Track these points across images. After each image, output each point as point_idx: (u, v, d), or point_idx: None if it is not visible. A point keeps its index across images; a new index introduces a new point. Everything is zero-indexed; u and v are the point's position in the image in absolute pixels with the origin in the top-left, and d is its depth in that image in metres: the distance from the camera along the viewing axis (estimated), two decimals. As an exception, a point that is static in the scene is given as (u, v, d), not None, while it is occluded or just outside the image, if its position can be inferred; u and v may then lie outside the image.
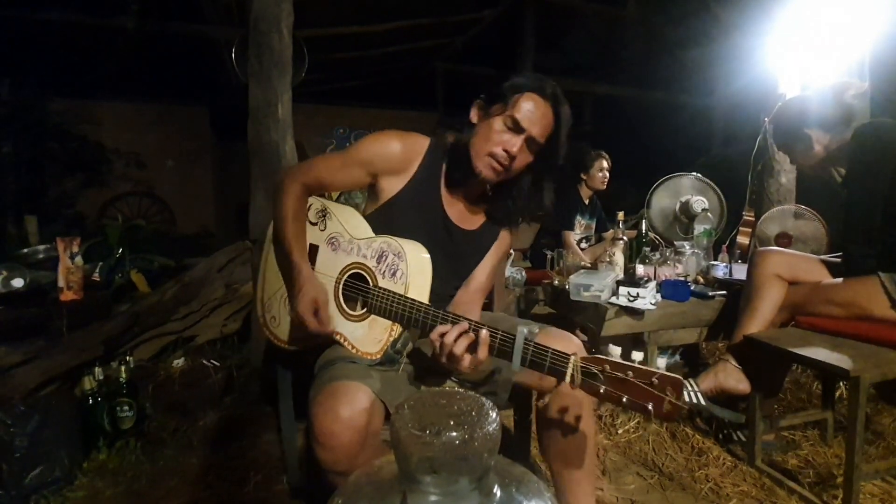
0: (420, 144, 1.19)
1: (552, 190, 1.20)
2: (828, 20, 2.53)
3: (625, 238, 2.19)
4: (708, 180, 2.60)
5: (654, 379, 0.78)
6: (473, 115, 1.15)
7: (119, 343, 2.16)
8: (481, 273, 1.24)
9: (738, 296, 1.84)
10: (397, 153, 1.16)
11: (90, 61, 6.02)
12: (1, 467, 1.42)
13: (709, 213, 2.51)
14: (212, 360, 2.37)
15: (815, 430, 1.83)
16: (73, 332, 1.97)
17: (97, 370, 1.77)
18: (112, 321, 2.15)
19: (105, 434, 1.71)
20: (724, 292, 1.99)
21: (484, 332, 0.94)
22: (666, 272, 2.10)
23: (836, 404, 1.83)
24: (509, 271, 2.47)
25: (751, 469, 1.61)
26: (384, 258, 1.10)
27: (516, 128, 1.08)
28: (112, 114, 6.62)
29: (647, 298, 1.83)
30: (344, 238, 1.15)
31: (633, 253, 2.45)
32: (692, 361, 2.36)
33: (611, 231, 2.78)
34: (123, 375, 1.78)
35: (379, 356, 1.07)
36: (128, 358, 1.86)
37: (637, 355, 0.84)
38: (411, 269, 1.07)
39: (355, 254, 1.14)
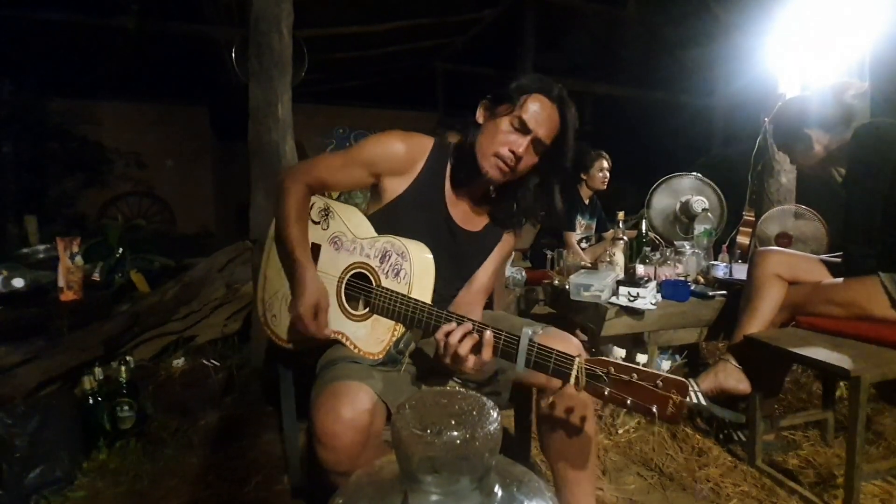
0: (424, 145, 1.19)
1: (559, 193, 1.20)
2: (828, 20, 2.53)
3: (625, 238, 2.19)
4: (708, 180, 2.60)
5: (658, 381, 0.79)
6: (479, 116, 1.15)
7: (119, 343, 2.16)
8: (484, 274, 1.24)
9: (738, 296, 1.84)
10: (401, 154, 1.16)
11: (90, 61, 6.02)
12: (1, 467, 1.42)
13: (709, 213, 2.51)
14: (212, 360, 2.37)
15: (815, 430, 1.83)
16: (74, 332, 1.97)
17: (97, 370, 1.77)
18: (112, 321, 2.15)
19: (105, 434, 1.71)
20: (724, 292, 1.99)
21: (488, 334, 0.94)
22: (666, 272, 2.10)
23: (836, 404, 1.83)
24: (509, 271, 2.47)
25: (751, 469, 1.61)
26: (387, 258, 1.09)
27: (523, 129, 1.08)
28: (112, 114, 6.63)
29: (648, 298, 1.83)
30: (347, 237, 1.15)
31: (634, 253, 2.45)
32: (692, 361, 2.36)
33: (611, 231, 2.78)
34: (124, 375, 1.78)
35: (381, 356, 1.07)
36: (128, 358, 1.86)
37: (641, 358, 0.84)
38: (415, 270, 1.07)
39: (358, 253, 1.13)
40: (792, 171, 3.05)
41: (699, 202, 2.52)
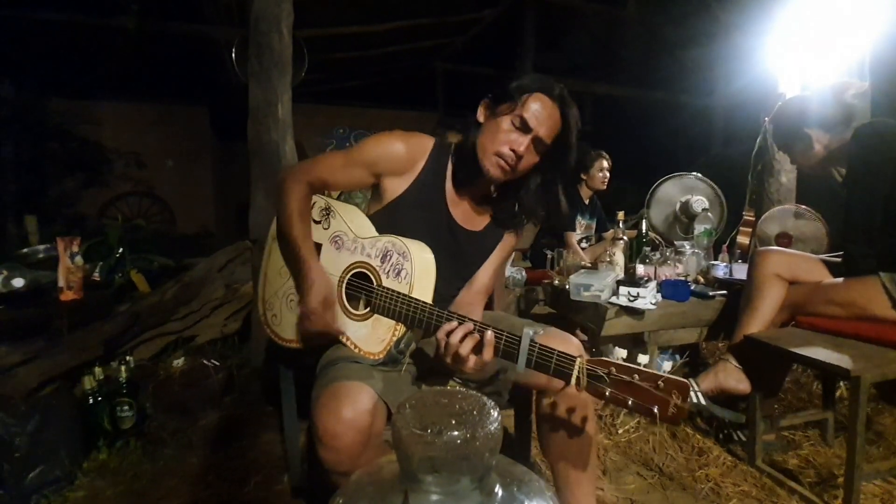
0: (424, 145, 1.19)
1: (561, 194, 1.20)
2: (828, 20, 2.53)
3: (625, 238, 2.20)
4: (708, 180, 2.60)
5: (659, 382, 0.78)
6: (480, 115, 1.15)
7: (119, 343, 2.16)
8: (484, 274, 1.24)
9: (738, 296, 1.84)
10: (401, 154, 1.16)
11: (90, 61, 6.01)
12: (1, 467, 1.41)
13: (709, 213, 2.51)
14: (212, 360, 2.36)
15: (815, 430, 1.83)
16: (74, 332, 1.97)
17: (97, 370, 1.77)
18: (112, 321, 2.15)
19: (105, 434, 1.71)
20: (724, 292, 1.99)
21: (489, 334, 0.94)
22: (666, 272, 2.10)
23: (836, 404, 1.83)
24: (509, 271, 2.47)
25: (751, 469, 1.61)
26: (389, 257, 1.09)
27: (524, 127, 1.08)
28: (112, 114, 6.63)
29: (648, 298, 1.83)
30: (348, 237, 1.15)
31: (633, 253, 2.45)
32: (692, 361, 2.36)
33: (611, 231, 2.78)
34: (123, 375, 1.78)
35: (382, 356, 1.07)
36: (128, 358, 1.86)
37: (643, 358, 0.84)
38: (416, 269, 1.07)
39: (359, 253, 1.13)
40: (792, 171, 3.05)
41: (699, 202, 2.52)
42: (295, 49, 2.48)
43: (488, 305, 1.41)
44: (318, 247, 1.18)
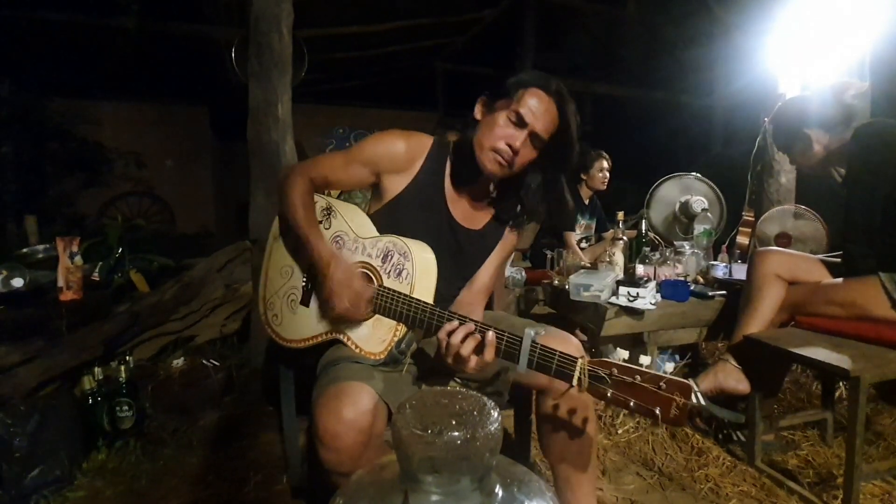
0: (423, 143, 1.19)
1: (566, 191, 1.19)
2: (828, 20, 2.53)
3: (625, 238, 2.20)
4: (708, 180, 2.61)
5: (661, 383, 0.78)
6: (477, 112, 1.15)
7: (119, 343, 2.16)
8: (485, 273, 1.24)
9: (738, 296, 1.84)
10: (401, 152, 1.16)
11: (90, 61, 6.00)
12: (1, 467, 1.41)
13: (708, 213, 2.51)
14: (211, 360, 2.37)
15: (814, 430, 1.83)
16: (73, 332, 1.97)
17: (97, 370, 1.77)
18: (112, 321, 2.15)
19: (105, 434, 1.71)
20: (723, 292, 1.99)
21: (490, 334, 0.94)
22: (666, 272, 2.10)
23: (835, 404, 1.83)
24: (509, 271, 2.47)
25: (750, 469, 1.61)
26: (390, 258, 1.09)
27: (520, 122, 1.08)
28: (112, 114, 6.62)
29: (647, 298, 1.83)
30: (349, 237, 1.15)
31: (633, 253, 2.45)
32: (692, 361, 2.36)
33: (611, 231, 2.78)
34: (123, 375, 1.78)
35: (383, 356, 1.07)
36: (127, 358, 1.86)
37: (645, 360, 0.84)
38: (417, 269, 1.07)
39: (360, 253, 1.13)
40: (792, 171, 3.05)
41: (699, 202, 2.52)
42: (295, 49, 2.48)
43: (488, 305, 1.41)
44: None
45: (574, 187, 3.20)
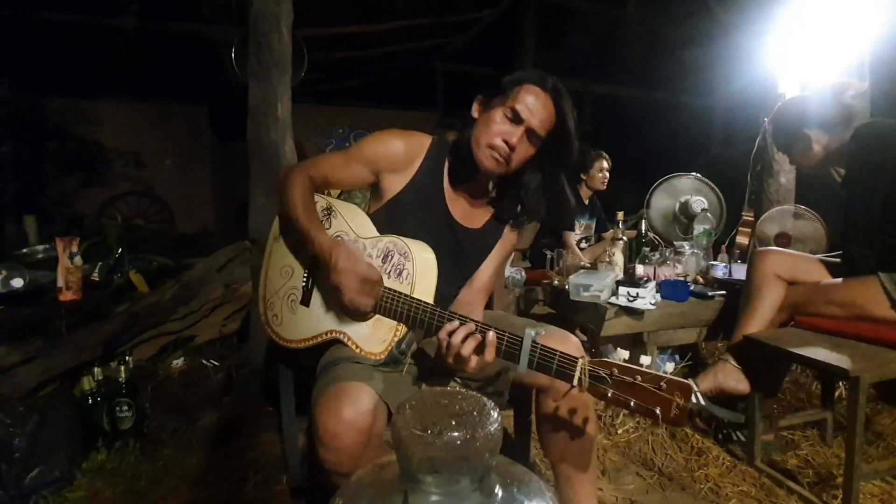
0: (422, 143, 1.20)
1: (567, 188, 1.19)
2: (828, 20, 2.53)
3: (624, 238, 2.20)
4: (707, 180, 2.61)
5: (662, 383, 0.78)
6: (474, 111, 1.16)
7: (118, 343, 2.16)
8: (485, 272, 1.24)
9: (738, 296, 1.84)
10: (399, 151, 1.16)
11: (89, 61, 6.00)
12: (0, 467, 1.41)
13: (708, 213, 2.51)
14: (211, 360, 2.37)
15: (814, 430, 1.83)
16: (73, 332, 1.97)
17: (96, 370, 1.77)
18: (111, 321, 2.15)
19: (104, 434, 1.71)
20: (723, 292, 1.99)
21: (491, 334, 0.94)
22: (665, 272, 2.10)
23: (835, 404, 1.83)
24: (509, 271, 2.47)
25: (750, 469, 1.61)
26: (390, 258, 1.09)
27: (515, 118, 1.08)
28: (111, 113, 6.61)
29: (647, 298, 1.83)
30: (349, 237, 1.15)
31: (633, 253, 2.45)
32: (692, 362, 2.36)
33: (611, 231, 2.78)
34: (123, 375, 1.77)
35: (383, 356, 1.07)
36: (127, 358, 1.86)
37: (645, 360, 0.84)
38: (417, 270, 1.07)
39: (360, 253, 1.13)
40: (791, 172, 3.05)
41: (698, 202, 2.52)
42: (294, 49, 2.48)
43: (488, 305, 1.41)
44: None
45: (574, 187, 3.20)
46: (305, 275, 1.19)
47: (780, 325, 1.73)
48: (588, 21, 6.75)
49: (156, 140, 6.80)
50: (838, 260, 1.71)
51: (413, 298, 1.04)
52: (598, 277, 1.95)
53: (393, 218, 1.15)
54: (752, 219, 2.43)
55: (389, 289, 1.07)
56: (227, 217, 7.35)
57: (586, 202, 3.25)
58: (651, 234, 2.47)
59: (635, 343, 1.96)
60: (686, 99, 7.49)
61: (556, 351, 0.90)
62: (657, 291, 1.93)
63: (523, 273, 2.55)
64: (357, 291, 1.03)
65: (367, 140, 1.18)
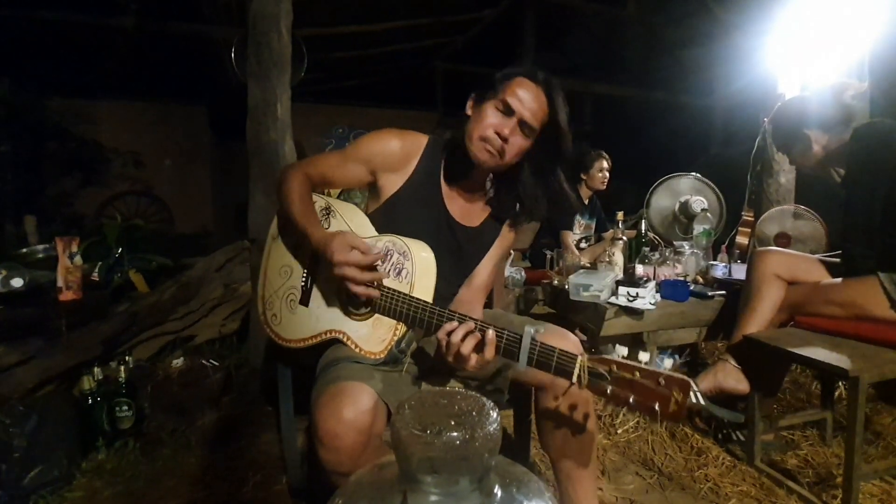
0: (418, 142, 1.20)
1: (564, 182, 1.18)
2: (828, 20, 2.53)
3: (624, 238, 2.19)
4: (707, 180, 2.61)
5: (660, 380, 0.78)
6: (468, 108, 1.16)
7: (118, 343, 2.15)
8: (484, 270, 1.24)
9: (738, 296, 1.84)
10: (396, 150, 1.17)
11: (89, 61, 6.01)
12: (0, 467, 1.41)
13: (708, 214, 2.51)
14: (210, 360, 2.36)
15: (814, 429, 1.83)
16: (72, 332, 1.97)
17: (96, 370, 1.77)
18: (111, 321, 2.15)
19: (104, 434, 1.71)
20: (723, 292, 1.99)
21: (490, 333, 0.94)
22: (665, 272, 2.10)
23: (835, 404, 1.83)
24: (509, 271, 2.47)
25: (750, 469, 1.61)
26: (389, 257, 1.09)
27: (507, 111, 1.08)
28: (111, 113, 6.61)
29: (647, 298, 1.83)
30: (349, 236, 1.15)
31: (633, 253, 2.45)
32: (691, 361, 2.36)
33: (610, 231, 2.78)
34: (122, 375, 1.77)
35: (383, 356, 1.07)
36: (126, 358, 1.86)
37: (644, 356, 0.84)
38: (416, 269, 1.07)
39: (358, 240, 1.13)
40: (791, 172, 3.06)
41: (698, 202, 2.52)
42: (294, 48, 2.48)
43: (487, 304, 1.41)
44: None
45: (574, 187, 3.20)
46: (304, 274, 1.19)
47: (780, 325, 1.73)
48: (588, 21, 6.75)
49: (155, 140, 6.80)
50: (838, 260, 1.71)
51: (412, 297, 1.04)
52: (598, 277, 1.95)
53: (391, 217, 1.15)
54: (752, 219, 2.43)
55: (389, 288, 1.07)
56: (226, 217, 7.35)
57: (586, 202, 3.25)
58: (651, 234, 2.47)
59: (635, 343, 1.96)
60: (686, 99, 7.50)
61: (556, 348, 0.90)
62: (657, 291, 1.93)
63: (523, 273, 2.55)
64: (355, 263, 1.00)
65: (363, 139, 1.19)
